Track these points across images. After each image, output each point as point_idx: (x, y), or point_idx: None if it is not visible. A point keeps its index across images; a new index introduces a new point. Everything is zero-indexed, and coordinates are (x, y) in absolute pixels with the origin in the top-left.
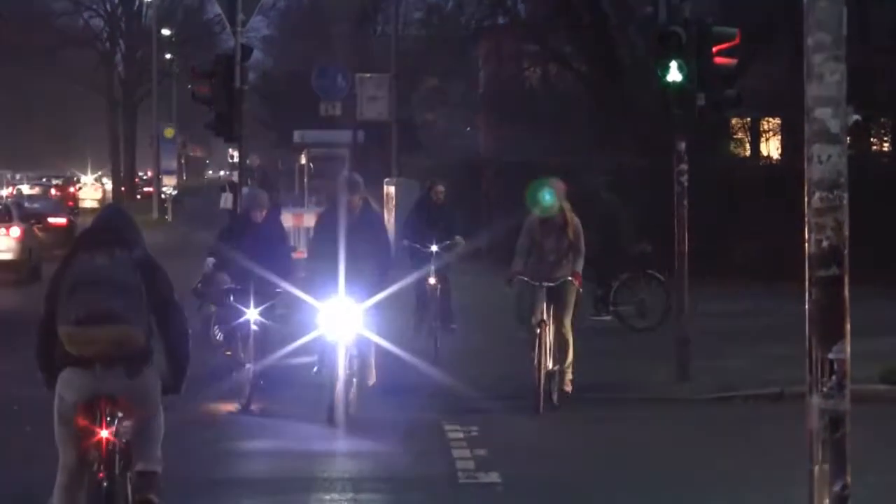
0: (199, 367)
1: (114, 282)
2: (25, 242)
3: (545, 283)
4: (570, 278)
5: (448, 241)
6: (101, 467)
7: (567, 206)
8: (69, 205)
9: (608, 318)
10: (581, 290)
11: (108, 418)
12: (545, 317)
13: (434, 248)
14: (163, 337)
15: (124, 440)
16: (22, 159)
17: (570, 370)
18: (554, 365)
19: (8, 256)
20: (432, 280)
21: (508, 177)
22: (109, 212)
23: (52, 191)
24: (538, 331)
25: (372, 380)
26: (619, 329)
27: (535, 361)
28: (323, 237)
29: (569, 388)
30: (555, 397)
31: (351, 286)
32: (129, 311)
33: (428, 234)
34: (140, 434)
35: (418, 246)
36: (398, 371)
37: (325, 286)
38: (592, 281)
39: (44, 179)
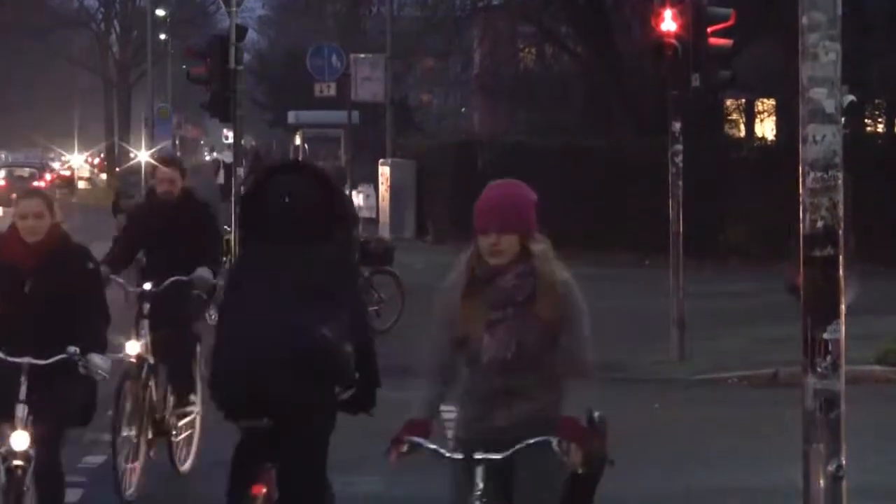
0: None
1: None
2: None
3: (487, 455)
4: (553, 441)
5: (178, 277)
6: None
7: (540, 247)
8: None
9: None
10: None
11: None
12: None
13: (147, 286)
14: None
15: None
16: (10, 139)
17: None
18: None
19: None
20: (137, 348)
21: (504, 158)
22: None
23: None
24: None
25: None
26: None
27: None
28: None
29: None
30: None
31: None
32: None
33: (146, 260)
34: None
35: (122, 282)
36: None
37: None
38: None
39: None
